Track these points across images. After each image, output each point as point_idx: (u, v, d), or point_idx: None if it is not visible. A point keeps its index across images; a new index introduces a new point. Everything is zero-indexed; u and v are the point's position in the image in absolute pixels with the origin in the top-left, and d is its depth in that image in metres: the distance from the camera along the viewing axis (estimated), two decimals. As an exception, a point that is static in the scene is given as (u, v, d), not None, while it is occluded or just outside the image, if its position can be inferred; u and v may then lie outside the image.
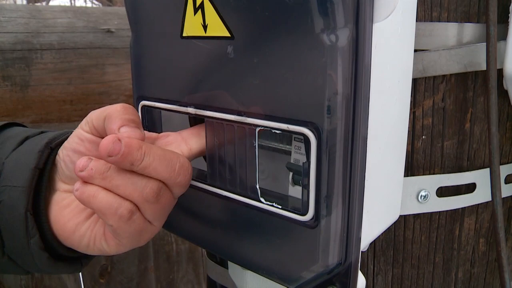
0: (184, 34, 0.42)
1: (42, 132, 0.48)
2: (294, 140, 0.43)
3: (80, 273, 1.18)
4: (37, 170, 0.42)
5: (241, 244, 0.44)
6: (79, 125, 0.43)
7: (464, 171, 0.52)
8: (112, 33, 1.08)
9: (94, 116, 0.41)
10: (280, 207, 0.39)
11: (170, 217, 0.43)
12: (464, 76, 0.50)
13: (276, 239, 0.41)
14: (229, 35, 0.39)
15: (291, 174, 0.43)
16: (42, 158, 0.43)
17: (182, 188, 0.41)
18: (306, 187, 0.37)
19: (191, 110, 0.43)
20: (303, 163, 0.37)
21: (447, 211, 0.53)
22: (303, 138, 0.39)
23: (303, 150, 0.42)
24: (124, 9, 1.08)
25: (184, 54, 0.43)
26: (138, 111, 0.49)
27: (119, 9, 1.15)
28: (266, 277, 0.44)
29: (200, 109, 0.43)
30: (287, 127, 0.36)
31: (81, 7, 1.09)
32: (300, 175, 0.42)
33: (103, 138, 0.41)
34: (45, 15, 1.02)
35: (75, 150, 0.42)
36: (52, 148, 0.44)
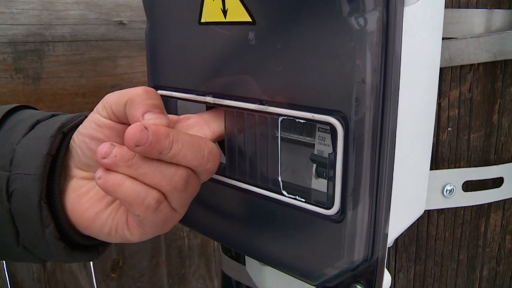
0: (202, 20, 0.41)
1: (53, 116, 0.47)
2: (318, 130, 0.41)
3: (92, 267, 1.17)
4: (50, 157, 0.40)
5: (261, 239, 0.42)
6: (95, 109, 0.41)
7: (491, 165, 0.50)
8: (125, 25, 1.07)
9: (113, 100, 0.39)
10: (303, 200, 0.37)
11: (188, 212, 0.41)
12: (493, 66, 0.48)
13: (298, 233, 0.39)
14: (250, 20, 0.37)
15: (314, 166, 0.42)
16: (55, 143, 0.41)
17: (210, 174, 0.39)
18: (331, 179, 0.35)
19: (209, 99, 0.41)
20: (329, 154, 0.35)
21: (472, 206, 0.51)
22: (328, 128, 0.37)
23: (327, 141, 0.40)
24: (136, 0, 1.06)
25: (202, 41, 0.42)
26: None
27: (131, 1, 1.14)
28: (287, 273, 0.42)
29: (219, 98, 0.41)
30: (312, 116, 0.35)
31: (93, -1, 1.08)
32: (324, 167, 0.41)
33: (122, 123, 0.39)
34: (57, 7, 1.00)
35: (93, 137, 0.40)
36: (65, 133, 0.42)
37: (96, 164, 0.39)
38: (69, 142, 0.42)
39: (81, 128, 0.41)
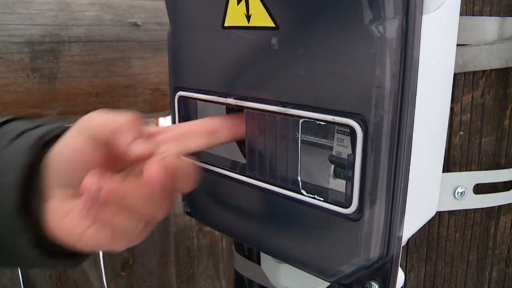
0: (226, 24, 0.42)
1: (38, 126, 0.46)
2: (337, 132, 0.43)
3: (102, 265, 1.19)
4: (27, 167, 0.40)
5: (280, 236, 0.44)
6: (75, 129, 0.40)
7: (502, 168, 0.51)
8: (139, 26, 1.09)
9: (97, 124, 0.39)
10: (322, 199, 0.39)
11: (204, 209, 0.43)
12: (505, 72, 0.49)
13: (316, 232, 0.41)
14: (273, 25, 0.38)
15: (332, 167, 0.43)
16: (33, 154, 0.41)
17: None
18: (350, 179, 0.37)
19: (231, 100, 0.43)
20: (348, 155, 0.36)
21: (482, 208, 0.53)
22: (347, 130, 0.38)
23: (346, 143, 0.42)
24: (150, 2, 1.08)
25: (224, 44, 0.43)
26: (175, 102, 0.49)
27: (145, 3, 1.15)
28: (304, 270, 0.43)
29: (240, 100, 0.42)
30: (333, 119, 0.36)
31: (108, 1, 1.10)
32: (342, 168, 0.42)
33: (105, 145, 0.39)
34: (73, 8, 1.02)
35: (70, 158, 0.40)
36: (45, 142, 0.42)
37: (75, 184, 0.38)
38: (49, 152, 0.41)
39: (61, 147, 0.40)
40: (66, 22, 1.00)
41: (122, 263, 1.22)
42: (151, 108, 1.15)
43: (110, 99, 1.06)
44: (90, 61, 1.04)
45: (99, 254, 1.18)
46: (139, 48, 1.09)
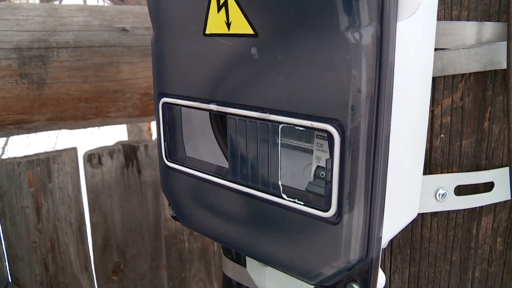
0: (207, 32, 0.43)
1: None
2: (317, 137, 0.43)
3: (93, 270, 1.19)
4: None
5: (262, 240, 0.44)
6: None
7: (482, 170, 0.52)
8: (127, 31, 1.09)
9: None
10: (302, 203, 0.39)
11: (190, 214, 0.43)
12: (483, 75, 0.50)
13: (297, 235, 0.41)
14: (252, 32, 0.39)
15: (313, 171, 0.44)
16: None
17: None
18: (328, 183, 0.37)
19: (213, 107, 0.44)
20: (326, 159, 0.37)
21: (464, 209, 0.54)
22: (326, 135, 0.39)
23: (325, 148, 0.43)
24: (139, 7, 1.08)
25: (206, 51, 0.44)
26: (159, 108, 0.50)
27: (133, 8, 1.16)
28: (286, 273, 0.44)
29: (222, 106, 0.43)
30: (311, 124, 0.37)
31: (96, 6, 1.10)
32: (322, 172, 0.43)
33: None
34: (62, 13, 1.03)
35: None
36: None
37: None
38: None
39: None
40: (54, 28, 1.01)
41: (113, 267, 1.22)
42: (141, 112, 1.15)
43: (99, 104, 1.06)
44: (79, 67, 1.04)
45: (90, 259, 1.18)
46: (127, 53, 1.09)
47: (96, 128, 2.70)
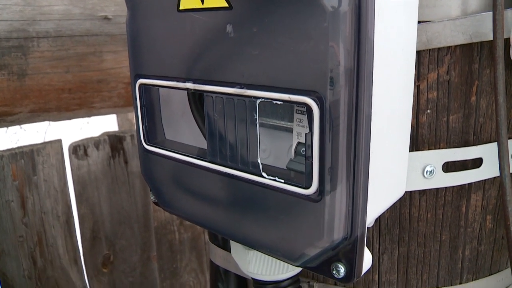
0: (181, 8, 0.41)
1: None
2: (296, 112, 0.42)
3: (83, 263, 1.17)
4: None
5: (244, 222, 0.43)
6: None
7: (471, 146, 0.51)
8: (109, 20, 1.07)
9: None
10: (282, 181, 0.38)
11: (171, 198, 0.42)
12: (470, 48, 0.49)
13: (279, 215, 0.40)
14: (227, 5, 0.37)
15: (293, 147, 0.42)
16: None
17: None
18: (309, 158, 0.36)
19: (189, 85, 0.42)
20: (305, 134, 0.36)
21: (453, 187, 0.52)
22: (305, 109, 0.38)
23: (305, 123, 0.41)
24: (121, -6, 1.05)
25: (181, 28, 0.42)
26: (136, 90, 0.48)
27: (115, -4, 1.13)
28: (270, 255, 0.43)
29: (199, 84, 0.41)
30: (289, 98, 0.35)
31: (77, -6, 1.08)
32: (303, 149, 0.41)
33: None
34: (41, 2, 1.00)
35: None
36: None
37: None
38: None
39: None
40: (34, 17, 0.98)
41: (103, 259, 1.21)
42: (126, 102, 1.13)
43: (83, 94, 1.04)
44: (61, 57, 1.02)
45: (79, 252, 1.17)
46: (110, 41, 1.07)
47: (85, 122, 2.67)
